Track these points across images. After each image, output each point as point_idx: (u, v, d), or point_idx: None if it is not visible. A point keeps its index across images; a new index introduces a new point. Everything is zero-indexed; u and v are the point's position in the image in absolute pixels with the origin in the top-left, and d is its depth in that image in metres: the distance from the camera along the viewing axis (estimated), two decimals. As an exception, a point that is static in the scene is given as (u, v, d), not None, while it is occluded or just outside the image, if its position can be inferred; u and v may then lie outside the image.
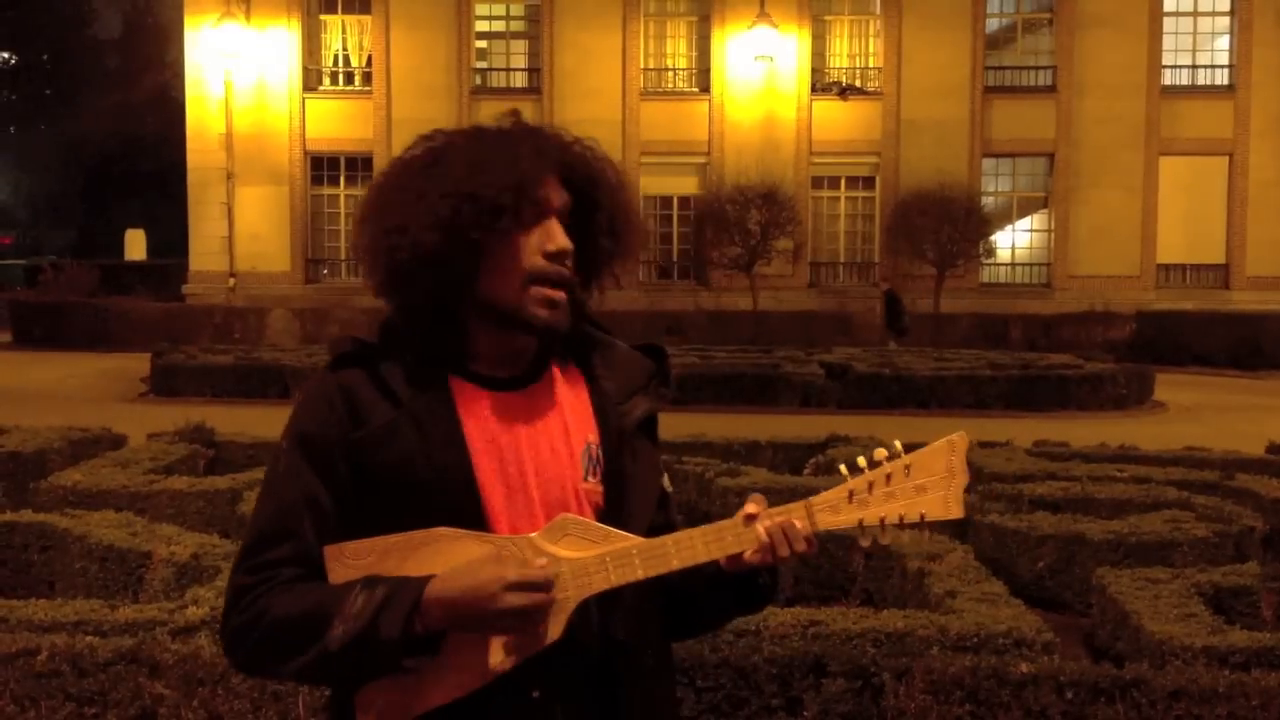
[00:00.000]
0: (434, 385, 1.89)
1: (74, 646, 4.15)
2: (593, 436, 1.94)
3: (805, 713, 4.07)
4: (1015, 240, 29.95)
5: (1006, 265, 29.75)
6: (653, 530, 1.92)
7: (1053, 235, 29.39)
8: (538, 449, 1.90)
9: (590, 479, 1.92)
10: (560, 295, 1.88)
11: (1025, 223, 30.10)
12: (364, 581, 1.78)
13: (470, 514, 1.84)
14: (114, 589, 5.89)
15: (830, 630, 4.62)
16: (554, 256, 1.87)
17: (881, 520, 1.86)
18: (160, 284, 32.82)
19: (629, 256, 1.99)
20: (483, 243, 1.84)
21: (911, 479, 1.86)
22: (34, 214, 58.65)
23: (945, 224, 26.83)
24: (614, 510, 1.92)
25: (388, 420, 1.85)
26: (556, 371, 1.97)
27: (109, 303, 27.91)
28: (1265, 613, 5.62)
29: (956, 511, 1.87)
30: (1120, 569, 6.00)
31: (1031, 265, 29.76)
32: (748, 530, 1.84)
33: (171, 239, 39.70)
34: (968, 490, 1.90)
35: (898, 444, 1.89)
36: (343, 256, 29.52)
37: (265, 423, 11.28)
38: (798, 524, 1.85)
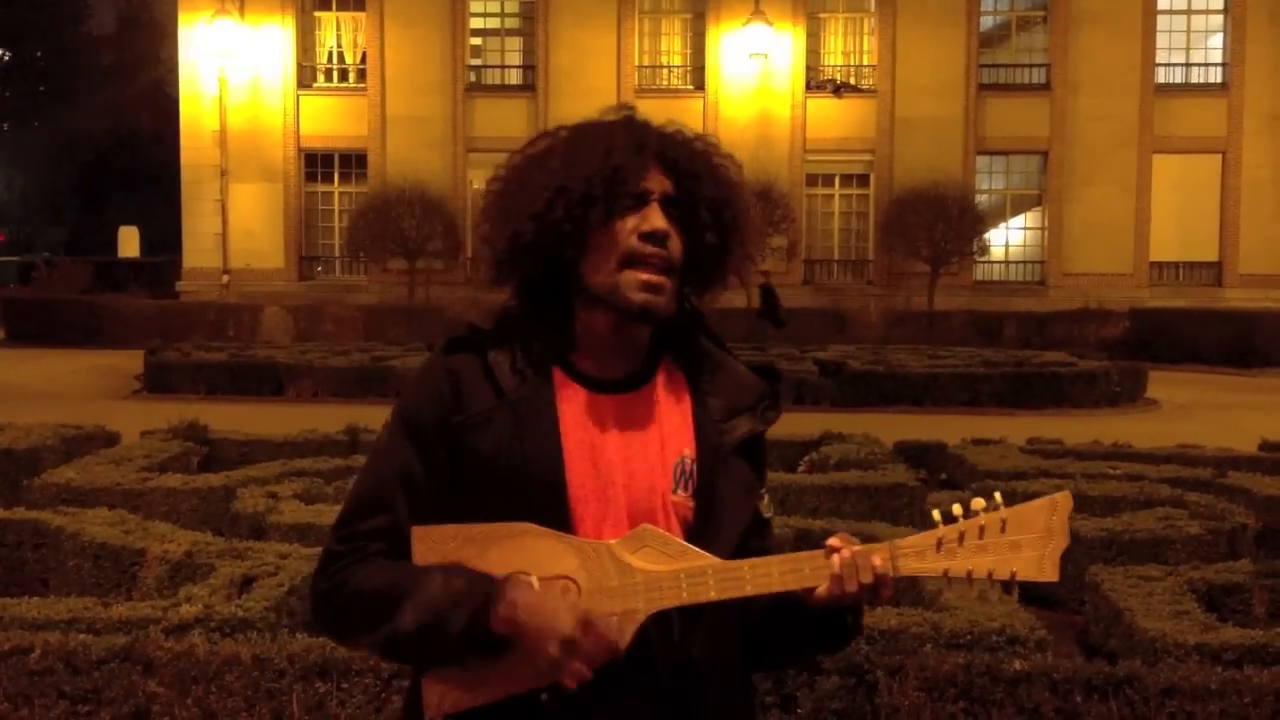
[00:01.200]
0: (538, 378, 1.91)
1: (67, 644, 4.14)
2: (688, 450, 1.93)
3: (799, 710, 4.07)
4: (1009, 238, 29.98)
5: (1000, 263, 29.78)
6: (743, 555, 1.88)
7: (1046, 233, 29.43)
8: (630, 455, 1.90)
9: (680, 492, 1.91)
10: (658, 279, 1.88)
11: (1019, 220, 30.13)
12: (444, 570, 1.81)
13: (555, 510, 1.85)
14: (107, 587, 5.88)
15: (824, 627, 4.61)
16: (648, 236, 1.88)
17: (969, 573, 1.82)
18: (154, 281, 32.81)
19: (739, 254, 1.99)
20: (584, 230, 1.87)
21: (1007, 535, 1.82)
22: (27, 210, 58.56)
23: (939, 221, 26.84)
24: (701, 526, 1.90)
25: (487, 408, 1.88)
26: (662, 380, 1.97)
27: (103, 300, 27.88)
28: (1257, 610, 5.63)
29: (1051, 575, 1.81)
30: (1113, 566, 6.01)
31: (1025, 263, 29.80)
32: (825, 564, 1.82)
33: (165, 236, 39.70)
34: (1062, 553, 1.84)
35: (997, 495, 1.85)
36: (337, 254, 29.51)
37: (259, 420, 11.32)
38: (878, 563, 1.81)
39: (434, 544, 1.85)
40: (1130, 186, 28.99)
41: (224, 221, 29.24)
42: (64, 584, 6.07)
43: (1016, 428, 11.62)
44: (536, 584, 1.77)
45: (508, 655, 1.78)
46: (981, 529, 1.82)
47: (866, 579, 1.80)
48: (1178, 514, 7.04)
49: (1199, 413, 17.20)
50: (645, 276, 1.87)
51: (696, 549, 1.83)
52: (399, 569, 1.84)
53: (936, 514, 1.85)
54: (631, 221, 1.88)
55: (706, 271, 1.97)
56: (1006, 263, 29.86)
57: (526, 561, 1.79)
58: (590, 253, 1.89)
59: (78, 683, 4.07)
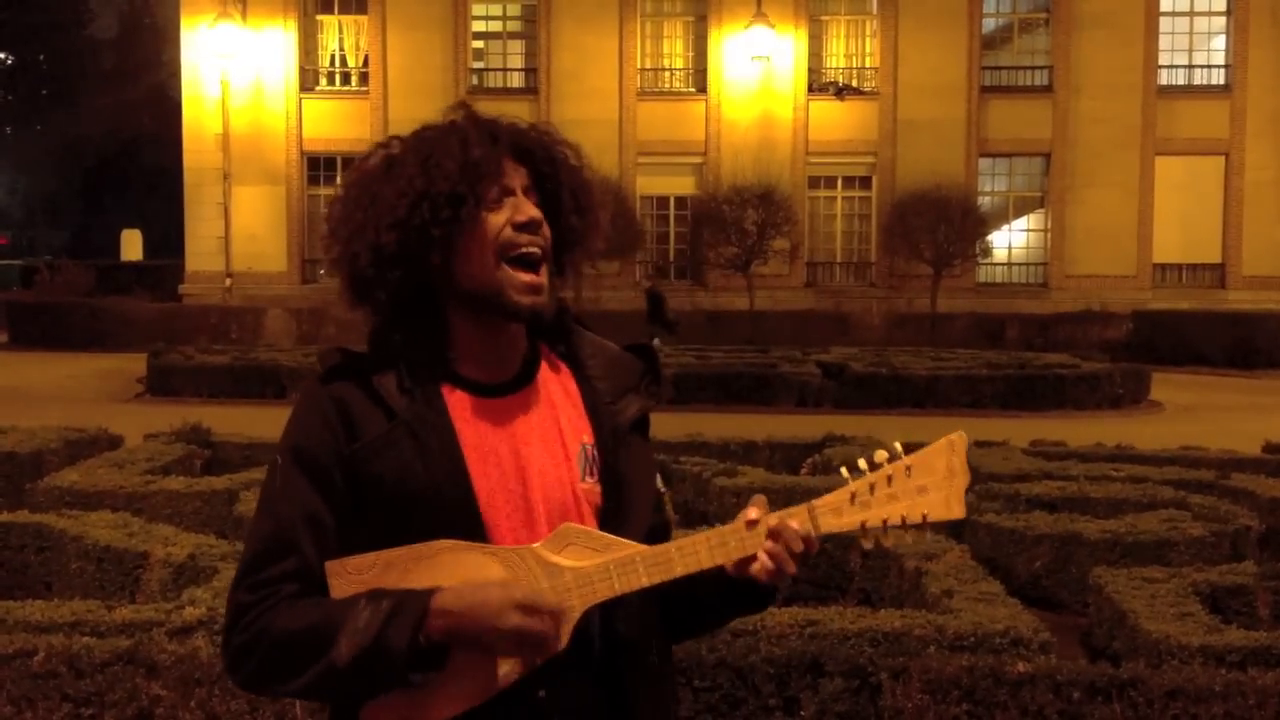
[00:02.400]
0: (427, 394, 1.88)
1: (71, 647, 4.14)
2: (587, 436, 1.94)
3: (802, 712, 4.07)
4: (1012, 240, 29.95)
5: (1003, 265, 29.76)
6: (649, 529, 1.92)
7: (1049, 235, 29.41)
8: (534, 452, 1.89)
9: (588, 479, 1.91)
10: (538, 279, 1.88)
11: (1022, 222, 30.11)
12: (369, 595, 1.77)
13: (470, 522, 1.83)
14: (111, 590, 5.88)
15: (827, 630, 4.62)
16: (524, 226, 1.87)
17: (884, 522, 1.86)
18: (156, 284, 32.77)
19: (596, 235, 1.99)
20: (452, 232, 1.85)
21: (913, 480, 1.86)
22: (30, 214, 58.60)
23: (942, 224, 26.83)
24: (612, 509, 1.91)
25: (383, 432, 1.84)
26: (547, 373, 1.97)
27: (105, 303, 27.88)
28: (1261, 612, 5.63)
29: (958, 511, 1.87)
30: (1117, 568, 6.01)
31: (1028, 265, 29.78)
32: (751, 535, 1.84)
33: (168, 239, 39.75)
34: (966, 490, 1.90)
35: (898, 445, 1.89)
36: (339, 257, 29.48)
37: (262, 423, 11.28)
38: (799, 526, 1.84)
39: (351, 576, 1.81)
40: (1133, 188, 28.97)
41: (226, 224, 29.25)
42: (67, 587, 6.08)
43: (1019, 430, 11.62)
44: (459, 586, 1.76)
45: (448, 672, 1.77)
46: (889, 478, 1.86)
47: (797, 548, 1.83)
48: (1181, 516, 7.04)
49: (1202, 415, 17.19)
50: (526, 278, 1.86)
51: (621, 539, 1.84)
52: (321, 605, 1.79)
53: (844, 470, 1.89)
54: (502, 215, 1.87)
55: (572, 255, 1.97)
56: (1009, 265, 29.84)
57: (452, 578, 1.77)
58: (460, 254, 1.86)
59: (81, 685, 4.07)
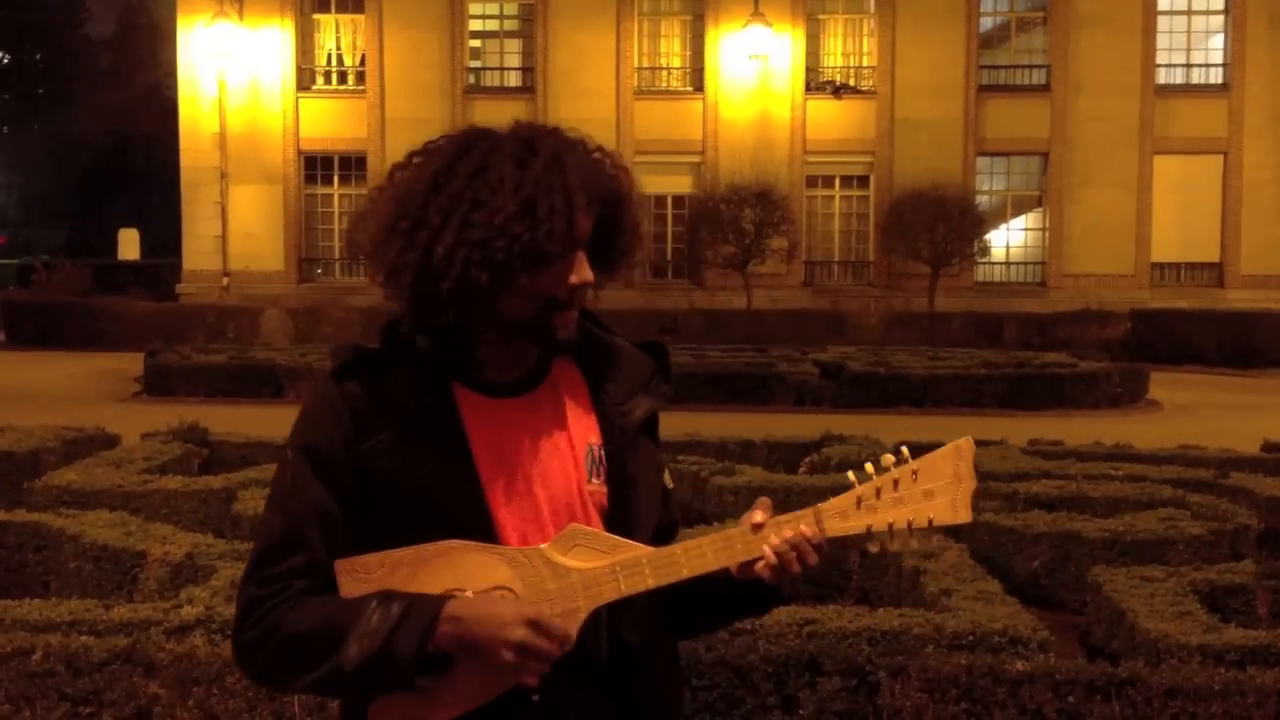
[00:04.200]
0: (438, 394, 1.88)
1: (69, 646, 4.14)
2: (595, 438, 1.94)
3: (801, 711, 4.07)
4: (1010, 239, 29.96)
5: (1001, 264, 29.77)
6: (656, 527, 1.93)
7: (1047, 234, 29.42)
8: (541, 454, 1.90)
9: (594, 480, 1.92)
10: (575, 318, 1.90)
11: (1020, 222, 30.12)
12: (379, 597, 1.77)
13: (478, 522, 1.83)
14: (108, 589, 5.87)
15: (826, 629, 4.62)
16: (577, 290, 1.87)
17: (890, 526, 1.86)
18: (153, 283, 32.77)
19: (633, 264, 2.00)
20: (535, 275, 1.84)
21: (919, 484, 1.87)
22: (27, 213, 58.59)
23: (940, 223, 26.83)
24: (619, 511, 1.92)
25: (391, 430, 1.85)
26: (557, 374, 1.97)
27: (102, 302, 27.86)
28: (1260, 611, 5.63)
29: (965, 516, 1.87)
30: (1115, 567, 6.01)
31: (1026, 264, 29.79)
32: (756, 538, 1.85)
33: (165, 238, 39.70)
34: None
35: (905, 449, 1.90)
36: (337, 256, 29.51)
37: (259, 422, 11.29)
38: (806, 530, 1.84)
39: (359, 575, 1.82)
40: (1131, 187, 28.99)
41: (223, 224, 29.24)
42: (65, 586, 6.07)
43: (1017, 429, 11.61)
44: (472, 596, 1.77)
45: (453, 674, 1.78)
46: (895, 482, 1.87)
47: (811, 560, 1.85)
48: (1180, 515, 7.03)
49: (1201, 413, 17.19)
50: (566, 319, 1.88)
51: (628, 541, 1.84)
52: (330, 603, 1.80)
53: (851, 474, 1.89)
54: (562, 268, 1.85)
55: (606, 280, 1.97)
56: (1007, 264, 29.85)
57: (458, 578, 1.78)
58: (510, 289, 1.83)
59: (79, 684, 4.07)
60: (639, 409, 1.98)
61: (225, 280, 28.99)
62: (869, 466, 1.88)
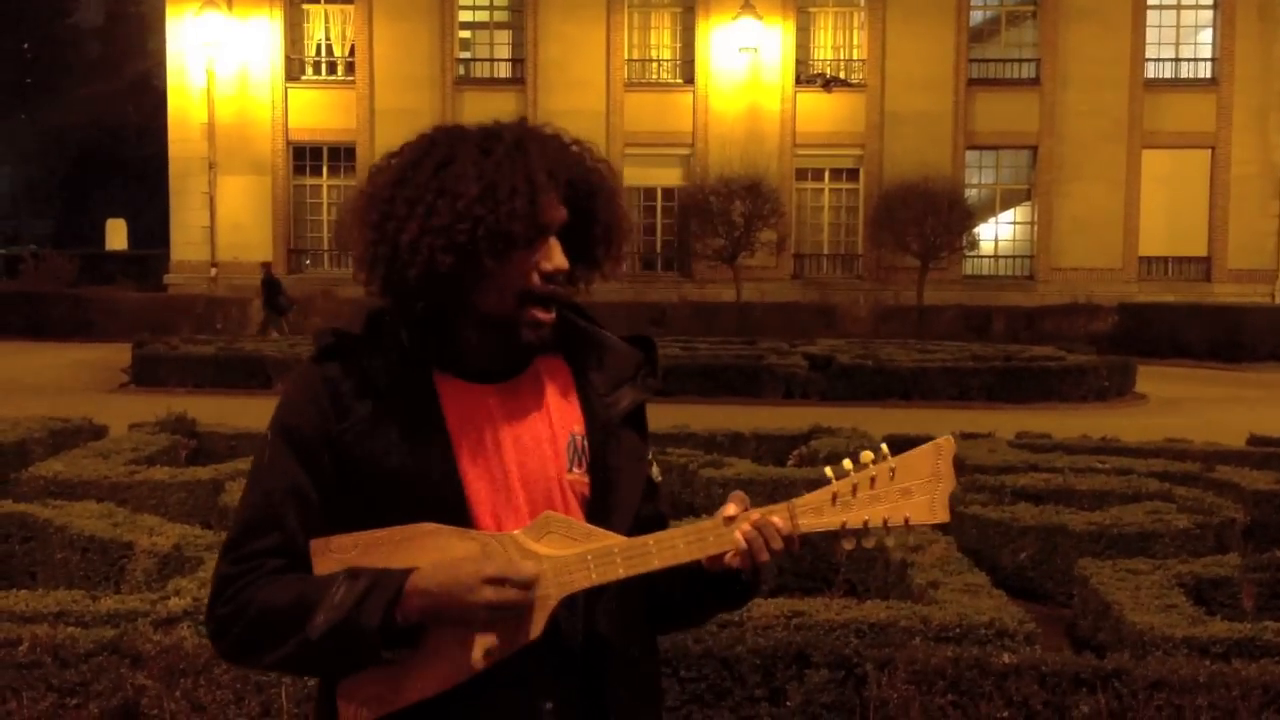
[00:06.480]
0: (417, 378, 1.89)
1: (55, 637, 4.13)
2: (578, 428, 1.94)
3: (788, 703, 4.08)
4: (998, 232, 30.02)
5: (989, 257, 29.83)
6: (640, 521, 1.93)
7: (1035, 228, 29.48)
8: (521, 441, 1.90)
9: (575, 470, 1.92)
10: (551, 316, 1.89)
11: (1008, 215, 30.18)
12: (347, 573, 1.79)
13: (454, 507, 1.84)
14: (95, 580, 5.87)
15: (813, 621, 4.63)
16: (550, 276, 1.87)
17: (865, 523, 1.86)
18: (141, 274, 32.69)
19: (618, 258, 1.99)
20: (503, 263, 1.84)
21: (897, 482, 1.86)
22: (14, 203, 58.32)
23: (929, 216, 26.88)
24: (599, 501, 1.92)
25: (370, 413, 1.86)
26: (541, 363, 1.97)
27: (90, 293, 27.77)
28: (1245, 603, 5.65)
29: (942, 516, 1.87)
30: (1102, 560, 6.03)
31: (1014, 257, 29.85)
32: (728, 531, 1.84)
33: (153, 229, 39.55)
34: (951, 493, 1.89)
35: (884, 447, 1.89)
36: (325, 247, 29.45)
37: (247, 413, 11.26)
38: (778, 521, 1.84)
39: (334, 554, 1.83)
40: (1119, 181, 29.04)
41: (212, 214, 29.15)
42: (52, 577, 6.06)
43: (1005, 422, 11.64)
44: (434, 565, 1.77)
45: (420, 656, 1.79)
46: (873, 479, 1.86)
47: (776, 545, 1.84)
48: (1166, 508, 7.06)
49: (1187, 407, 17.24)
50: (541, 315, 1.88)
51: (601, 530, 1.85)
52: (302, 580, 1.82)
53: (829, 470, 1.88)
54: (533, 255, 1.86)
55: (590, 275, 1.98)
56: (996, 257, 29.91)
57: (432, 560, 1.78)
58: (483, 279, 1.85)
59: (66, 675, 4.06)
60: (624, 400, 1.98)
61: (213, 271, 28.91)
62: (847, 463, 1.87)
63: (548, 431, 1.92)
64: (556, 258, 1.87)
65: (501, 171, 1.83)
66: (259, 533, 1.85)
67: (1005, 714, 4.03)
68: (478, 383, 1.91)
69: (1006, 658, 4.13)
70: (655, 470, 2.05)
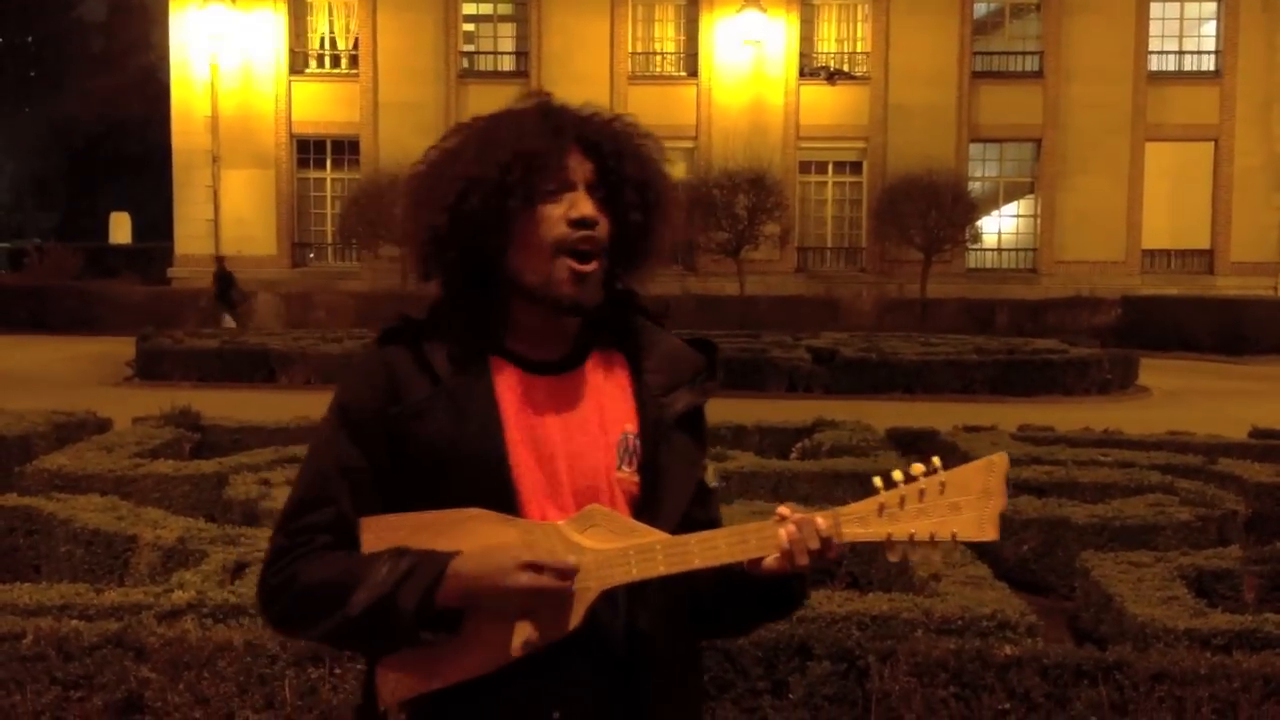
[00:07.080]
0: (474, 364, 1.92)
1: (60, 630, 4.14)
2: (631, 426, 1.95)
3: (791, 695, 4.09)
4: (1002, 226, 30.00)
5: (993, 250, 29.80)
6: (689, 524, 1.92)
7: (1039, 221, 29.45)
8: (571, 435, 1.92)
9: (625, 468, 1.93)
10: (588, 268, 1.90)
11: (1012, 208, 30.15)
12: (392, 552, 1.82)
13: (501, 493, 1.86)
14: (100, 573, 5.87)
15: (816, 613, 4.63)
16: (577, 223, 1.88)
17: (911, 536, 1.84)
18: (145, 267, 32.70)
19: (665, 231, 1.99)
20: (505, 221, 1.87)
21: (946, 497, 1.84)
22: (18, 197, 58.39)
23: (932, 209, 26.86)
24: (647, 501, 1.93)
25: (425, 396, 1.89)
26: (599, 359, 1.98)
27: (94, 286, 27.80)
28: (1247, 595, 5.66)
29: (991, 533, 1.83)
30: (1104, 552, 6.03)
31: (1018, 250, 29.82)
32: (770, 534, 1.84)
33: (157, 222, 39.57)
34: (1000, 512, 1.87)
35: (936, 460, 1.87)
36: (329, 240, 29.45)
37: (251, 407, 11.30)
38: (822, 525, 1.84)
39: (382, 533, 1.86)
40: (1123, 174, 29.01)
41: (215, 208, 29.17)
42: (56, 570, 6.07)
43: (1008, 415, 11.65)
44: (474, 551, 1.79)
45: (468, 634, 1.80)
46: (921, 493, 1.83)
47: (814, 545, 1.83)
48: (1168, 500, 7.06)
49: (1190, 400, 17.24)
50: (576, 266, 1.88)
51: (644, 526, 1.85)
52: (348, 558, 1.86)
53: (878, 480, 1.87)
54: (559, 209, 1.89)
55: (634, 251, 1.98)
56: (999, 250, 29.88)
57: (476, 546, 1.80)
58: (518, 244, 1.89)
59: (70, 668, 4.07)
60: (679, 402, 1.98)
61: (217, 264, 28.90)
62: (897, 473, 1.85)
63: (599, 427, 1.93)
64: (582, 205, 1.89)
65: (498, 131, 1.91)
66: (312, 508, 1.90)
67: (1007, 705, 4.04)
68: (535, 374, 1.93)
69: (1008, 649, 4.14)
70: (711, 474, 2.04)
